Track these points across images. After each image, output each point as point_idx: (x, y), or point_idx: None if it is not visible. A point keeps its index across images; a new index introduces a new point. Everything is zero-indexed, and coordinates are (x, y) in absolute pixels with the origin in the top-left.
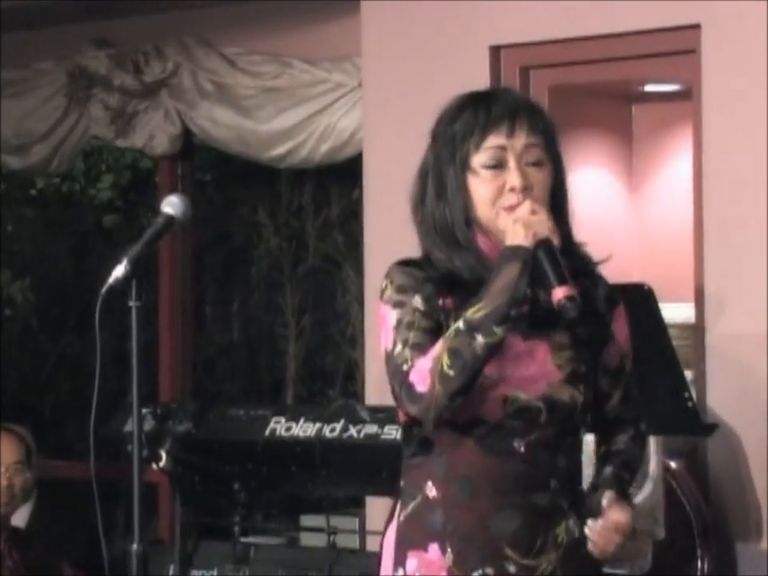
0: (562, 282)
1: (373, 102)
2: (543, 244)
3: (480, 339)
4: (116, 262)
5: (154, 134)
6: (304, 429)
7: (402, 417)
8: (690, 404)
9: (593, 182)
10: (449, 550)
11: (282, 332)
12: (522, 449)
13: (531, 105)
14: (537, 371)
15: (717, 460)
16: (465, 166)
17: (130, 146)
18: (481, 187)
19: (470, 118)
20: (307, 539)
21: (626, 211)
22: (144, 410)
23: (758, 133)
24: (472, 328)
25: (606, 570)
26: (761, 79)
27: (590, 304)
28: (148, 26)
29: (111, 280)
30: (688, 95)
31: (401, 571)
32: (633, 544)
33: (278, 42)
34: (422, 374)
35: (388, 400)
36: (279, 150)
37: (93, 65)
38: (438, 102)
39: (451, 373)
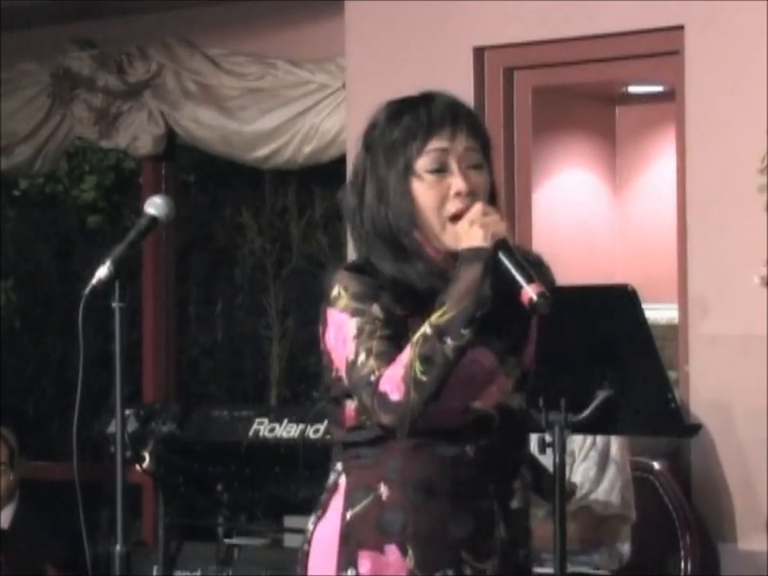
0: (530, 280)
1: (357, 103)
2: (502, 244)
3: (449, 343)
4: (99, 262)
5: (138, 134)
6: (287, 430)
7: (350, 419)
8: (673, 405)
9: (576, 183)
10: (410, 551)
11: (266, 333)
12: (472, 454)
13: (469, 109)
14: (488, 379)
15: (700, 461)
16: (408, 171)
17: (114, 146)
18: (426, 192)
19: (410, 122)
20: (291, 540)
21: (610, 212)
22: (127, 411)
23: (740, 133)
24: (440, 332)
25: (588, 570)
26: (743, 80)
27: (517, 308)
28: (131, 27)
29: (94, 281)
30: (671, 96)
31: (351, 571)
32: (604, 528)
33: (261, 43)
34: (394, 382)
35: None
36: (263, 151)
37: (76, 65)
38: None
39: (425, 379)
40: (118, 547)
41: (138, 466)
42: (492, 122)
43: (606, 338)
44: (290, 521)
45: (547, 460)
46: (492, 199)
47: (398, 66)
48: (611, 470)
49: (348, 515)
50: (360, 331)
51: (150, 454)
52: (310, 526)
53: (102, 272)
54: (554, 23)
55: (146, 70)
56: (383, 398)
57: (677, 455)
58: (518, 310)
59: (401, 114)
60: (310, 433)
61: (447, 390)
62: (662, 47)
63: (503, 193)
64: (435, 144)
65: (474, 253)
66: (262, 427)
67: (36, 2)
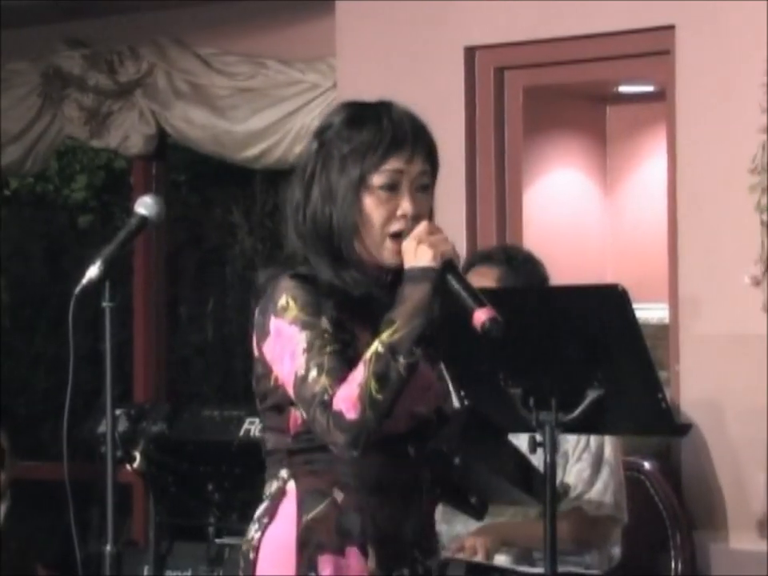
0: (480, 304)
1: None
2: (449, 265)
3: (402, 360)
4: (90, 262)
5: (129, 134)
6: None
7: (295, 426)
8: (663, 405)
9: (567, 183)
10: (370, 552)
11: None
12: (413, 454)
13: (425, 127)
14: (427, 384)
15: (690, 460)
16: (361, 183)
17: (105, 146)
18: (374, 208)
19: (371, 136)
20: None
21: (600, 212)
22: (118, 411)
23: (731, 133)
24: (393, 350)
25: (579, 569)
26: (734, 80)
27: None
28: (122, 26)
29: (85, 281)
30: (662, 96)
31: (312, 574)
32: (596, 530)
33: (252, 43)
34: (349, 401)
35: None
36: (254, 151)
37: (67, 65)
38: (413, 102)
39: (380, 397)
40: (108, 547)
41: (128, 466)
42: (483, 121)
43: (596, 337)
44: None
45: (538, 460)
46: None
47: (388, 66)
48: (605, 472)
49: (304, 520)
50: (310, 346)
51: (141, 454)
52: (256, 534)
53: (93, 272)
54: (545, 23)
55: (137, 69)
56: (338, 417)
57: (667, 455)
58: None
59: (360, 122)
60: None
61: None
62: (653, 47)
63: (494, 191)
64: (393, 164)
65: (423, 272)
66: (253, 427)
67: (27, 1)
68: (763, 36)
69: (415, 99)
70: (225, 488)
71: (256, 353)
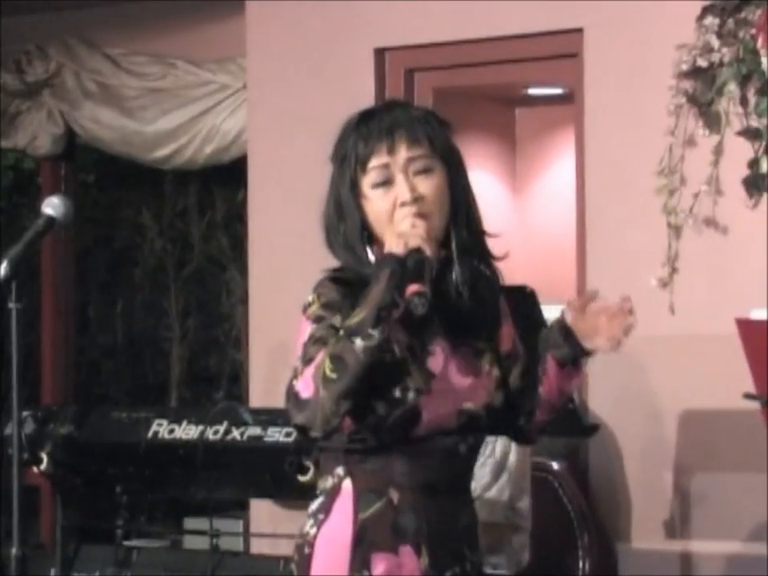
0: (415, 281)
1: (257, 103)
2: (414, 253)
3: (359, 342)
4: None
5: (37, 134)
6: (186, 431)
7: (348, 426)
8: (572, 405)
9: (476, 185)
10: (424, 551)
11: (167, 334)
12: (464, 451)
13: (412, 117)
14: (475, 380)
15: (599, 461)
16: (354, 189)
17: (12, 146)
18: (373, 208)
19: (352, 143)
20: (191, 542)
21: (509, 213)
22: (25, 413)
23: (638, 136)
24: (351, 333)
25: (487, 570)
26: (641, 82)
27: (480, 298)
28: (30, 26)
29: None
30: (570, 99)
31: (365, 573)
32: (488, 533)
33: (162, 43)
34: (306, 381)
35: (272, 402)
36: (163, 151)
37: None
38: (323, 103)
39: (334, 376)
40: (13, 550)
41: (35, 468)
42: None
43: None
44: (189, 522)
45: None
46: (453, 199)
47: (299, 67)
48: (503, 479)
49: (360, 518)
50: (311, 338)
51: (48, 456)
52: (311, 530)
53: None
54: (455, 25)
55: (45, 69)
56: (296, 396)
57: (575, 455)
58: (483, 309)
59: (346, 134)
60: (209, 434)
61: (441, 394)
62: (562, 50)
63: None
64: (375, 162)
65: (386, 259)
66: (161, 428)
67: None
68: (670, 39)
69: (325, 100)
70: (133, 490)
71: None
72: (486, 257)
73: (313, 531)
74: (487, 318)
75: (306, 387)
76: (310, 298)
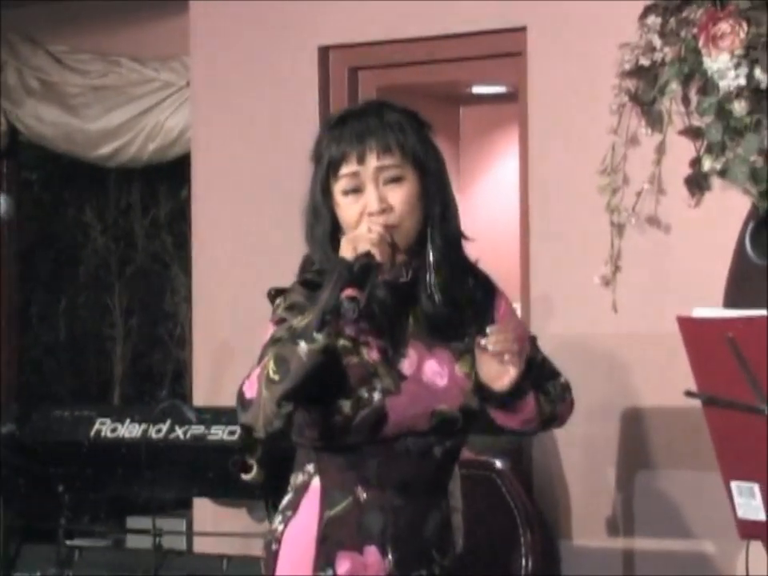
0: (354, 286)
1: (201, 101)
2: (363, 257)
3: (303, 345)
4: None
5: None
6: (130, 430)
7: (309, 437)
8: None
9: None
10: (390, 552)
11: (110, 332)
12: (439, 455)
13: (384, 123)
14: (451, 382)
15: (542, 458)
16: (325, 194)
17: None
18: (344, 213)
19: (326, 145)
20: (133, 541)
21: None
22: None
23: (582, 134)
24: (296, 335)
25: None
26: (585, 81)
27: (454, 302)
28: None
29: None
30: (514, 97)
31: (329, 571)
32: None
33: (105, 41)
34: (251, 381)
35: (215, 401)
36: (107, 149)
37: None
38: (267, 101)
39: (276, 378)
40: None
41: None
42: None
43: None
44: (132, 521)
45: None
46: (429, 204)
47: (242, 65)
48: None
49: (325, 516)
50: (270, 338)
51: None
52: (279, 526)
53: None
54: (399, 23)
55: None
56: (241, 396)
57: (519, 453)
58: (458, 313)
59: (319, 139)
60: (153, 433)
61: (412, 396)
62: (505, 48)
63: None
64: (345, 170)
65: (335, 264)
66: (104, 427)
67: None
68: (614, 38)
69: (269, 98)
70: (76, 489)
71: None
72: (463, 260)
73: (281, 528)
74: (464, 321)
75: (250, 387)
76: (278, 301)
